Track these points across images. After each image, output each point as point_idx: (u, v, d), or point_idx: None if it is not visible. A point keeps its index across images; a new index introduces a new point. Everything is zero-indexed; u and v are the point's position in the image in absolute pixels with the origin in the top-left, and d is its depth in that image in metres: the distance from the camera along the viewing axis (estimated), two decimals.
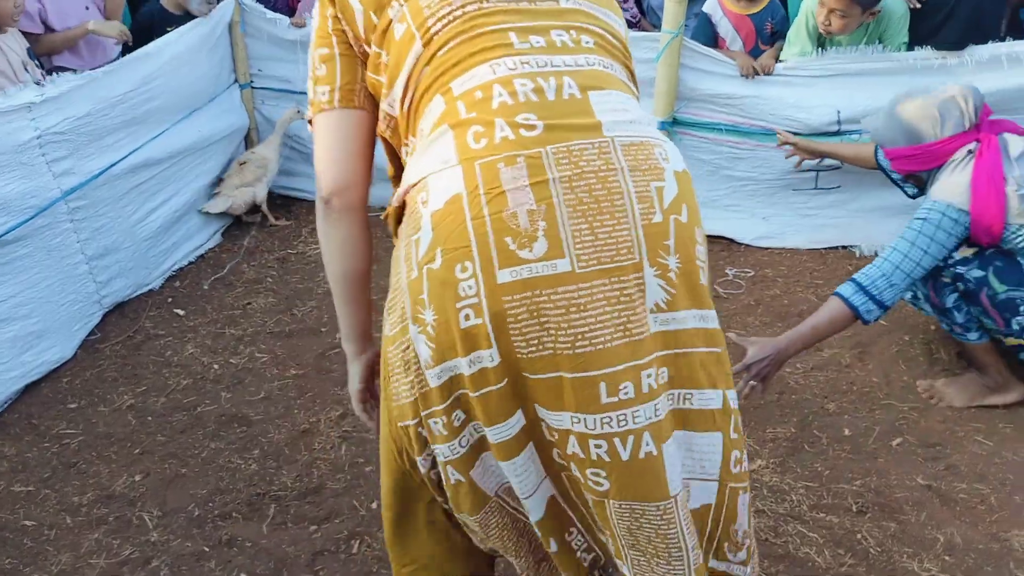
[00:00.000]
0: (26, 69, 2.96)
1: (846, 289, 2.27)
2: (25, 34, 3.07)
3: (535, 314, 1.12)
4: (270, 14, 3.64)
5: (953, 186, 2.26)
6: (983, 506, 2.17)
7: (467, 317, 1.12)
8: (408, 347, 1.20)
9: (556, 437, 1.21)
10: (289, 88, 3.76)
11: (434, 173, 1.15)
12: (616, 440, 1.18)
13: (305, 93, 3.67)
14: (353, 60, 1.31)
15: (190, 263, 3.43)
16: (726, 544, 1.34)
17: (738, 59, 3.27)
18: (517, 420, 1.21)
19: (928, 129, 2.34)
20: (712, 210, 3.53)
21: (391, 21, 1.24)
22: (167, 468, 2.36)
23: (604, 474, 1.21)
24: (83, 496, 2.25)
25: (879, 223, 3.37)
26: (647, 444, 1.19)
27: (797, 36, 3.27)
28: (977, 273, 2.30)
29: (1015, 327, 2.32)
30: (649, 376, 1.18)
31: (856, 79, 3.17)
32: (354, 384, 1.56)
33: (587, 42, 1.24)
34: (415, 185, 1.18)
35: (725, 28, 3.45)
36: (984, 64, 3.08)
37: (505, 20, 1.21)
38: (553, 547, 1.35)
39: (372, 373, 1.54)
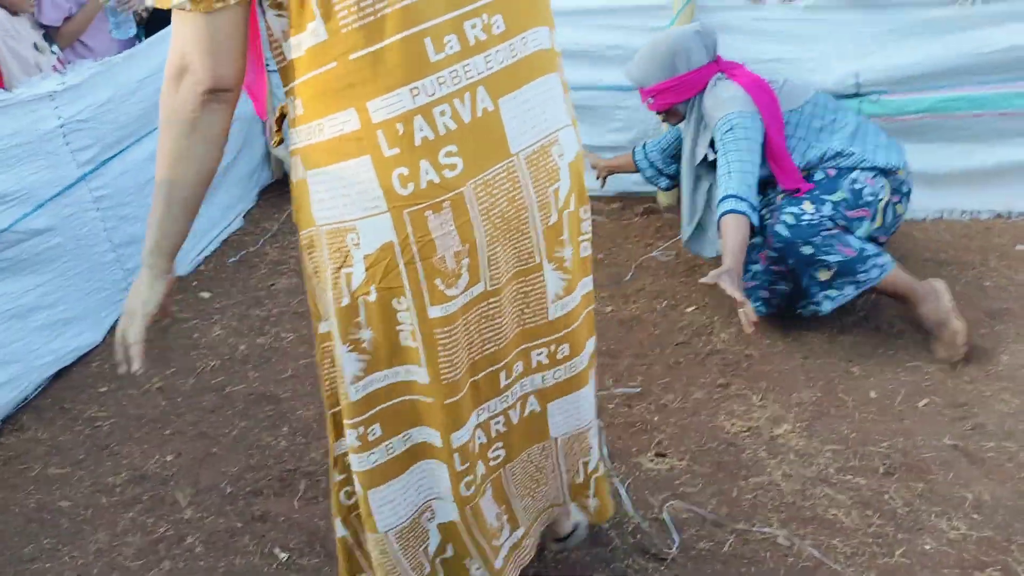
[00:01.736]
0: (41, 53, 2.98)
1: (730, 204, 2.46)
2: (45, 27, 3.10)
3: (457, 339, 1.32)
4: None
5: (730, 99, 2.57)
6: (1011, 463, 2.16)
7: (405, 338, 1.30)
8: (330, 357, 1.36)
9: (466, 457, 1.42)
10: None
11: (363, 218, 1.24)
12: (510, 412, 1.48)
13: None
14: None
15: (215, 248, 3.47)
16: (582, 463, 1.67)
17: None
18: (424, 434, 1.40)
19: (681, 62, 2.66)
20: None
21: None
22: (198, 447, 2.40)
23: (501, 444, 1.50)
24: (117, 477, 2.30)
25: None
26: (532, 405, 1.51)
27: None
28: (826, 207, 2.50)
29: (870, 199, 2.54)
30: (539, 355, 1.46)
31: (873, 39, 3.14)
32: (150, 306, 1.39)
33: (499, 26, 1.24)
34: (342, 224, 1.25)
35: None
36: (995, 15, 3.08)
37: (421, 19, 1.19)
38: (447, 551, 1.54)
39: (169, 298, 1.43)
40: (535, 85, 1.30)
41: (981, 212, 3.36)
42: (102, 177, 2.89)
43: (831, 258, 2.49)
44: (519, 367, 1.45)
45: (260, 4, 1.24)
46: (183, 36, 1.20)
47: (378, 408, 1.36)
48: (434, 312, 1.28)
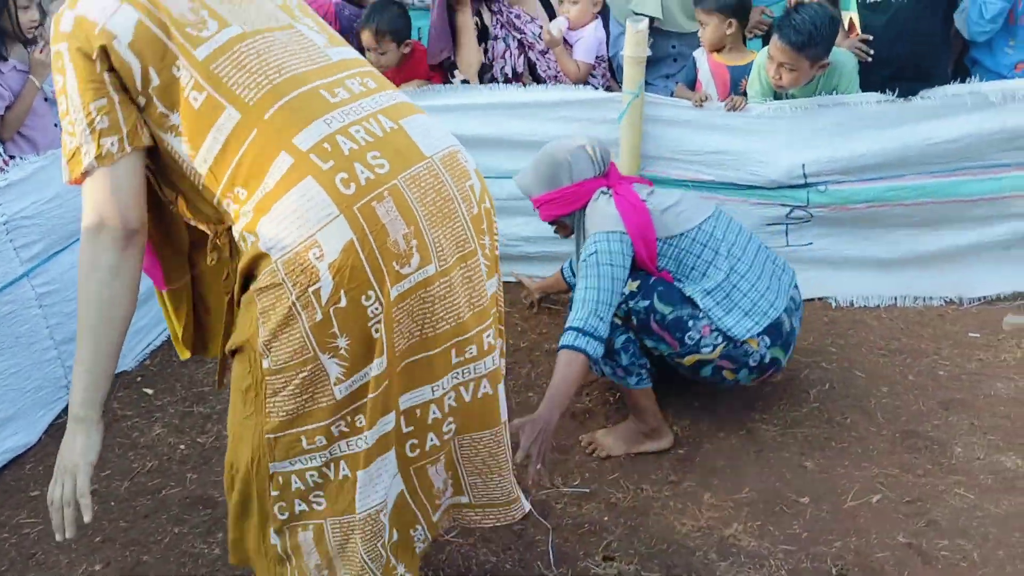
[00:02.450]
0: None
1: (569, 338, 2.34)
2: None
3: (411, 315, 1.46)
4: None
5: (604, 217, 2.48)
6: (965, 563, 2.11)
7: (376, 330, 1.42)
8: (306, 373, 1.42)
9: (413, 425, 1.56)
10: None
11: (320, 229, 1.35)
12: (462, 388, 1.60)
13: None
14: (130, 102, 1.40)
15: (162, 342, 3.40)
16: None
17: (695, 97, 3.30)
18: (390, 420, 1.52)
19: (563, 175, 2.59)
20: None
21: (180, 84, 1.38)
22: (128, 556, 2.29)
23: (452, 419, 1.61)
24: None
25: (854, 274, 3.36)
26: (484, 387, 1.62)
27: (752, 91, 3.30)
28: (643, 303, 2.43)
29: (688, 342, 2.44)
30: (488, 335, 1.59)
31: (818, 133, 3.19)
32: (91, 455, 1.50)
33: (371, 84, 1.52)
34: (300, 244, 1.35)
35: (704, 73, 3.48)
36: (936, 108, 3.15)
37: (309, 80, 1.43)
38: (394, 537, 1.64)
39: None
40: (418, 116, 1.54)
41: (933, 298, 3.39)
42: (47, 272, 2.83)
43: None
44: (472, 350, 1.57)
45: (158, 140, 1.42)
46: (94, 194, 1.40)
47: (364, 400, 1.46)
48: (394, 291, 1.41)
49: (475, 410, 1.64)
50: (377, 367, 1.44)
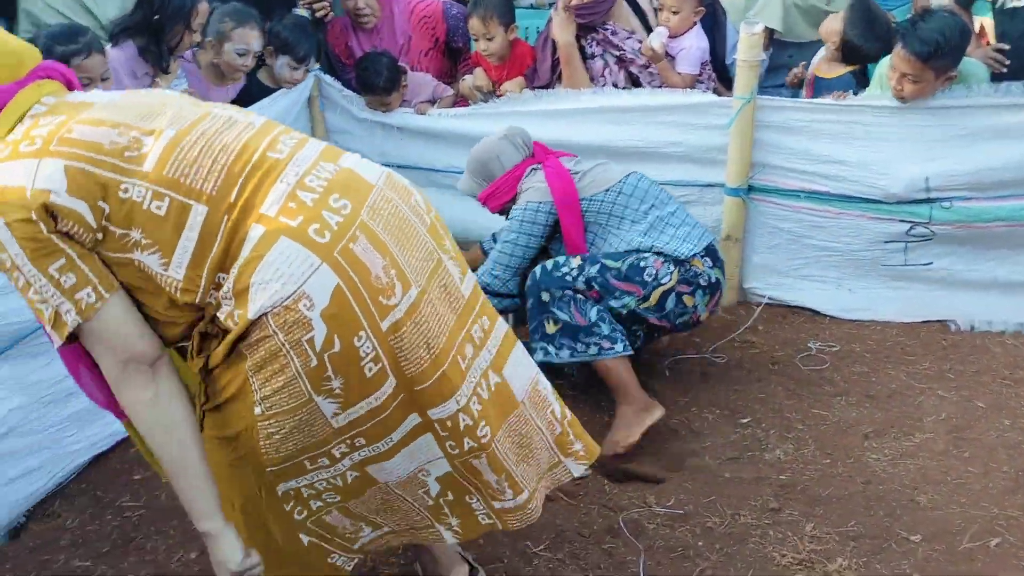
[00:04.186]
0: None
1: None
2: None
3: (412, 342, 1.49)
4: (346, 91, 3.72)
5: (532, 189, 2.72)
6: None
7: (368, 370, 1.46)
8: (302, 415, 1.46)
9: (448, 430, 1.58)
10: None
11: (307, 280, 1.39)
12: (479, 389, 1.63)
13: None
14: (89, 253, 1.41)
15: None
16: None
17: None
18: (411, 421, 1.56)
19: (495, 167, 2.82)
20: (793, 280, 3.38)
21: (133, 201, 1.40)
22: None
23: (484, 423, 1.62)
24: (138, 574, 2.24)
25: (976, 296, 3.15)
26: (494, 379, 1.67)
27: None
28: (594, 267, 2.59)
29: (648, 279, 2.58)
30: (475, 330, 1.65)
31: (945, 143, 3.00)
32: (237, 555, 1.59)
33: (298, 135, 1.59)
34: (288, 299, 1.39)
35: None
36: None
37: (254, 147, 1.49)
38: (448, 495, 1.70)
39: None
40: (347, 154, 1.61)
41: None
42: None
43: (561, 314, 2.58)
44: (469, 349, 1.63)
45: (121, 267, 1.43)
46: (97, 345, 1.45)
47: (370, 423, 1.52)
48: (384, 324, 1.46)
49: (497, 402, 1.68)
50: (384, 392, 1.49)
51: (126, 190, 1.40)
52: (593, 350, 2.58)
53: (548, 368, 2.29)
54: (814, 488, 2.43)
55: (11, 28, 3.45)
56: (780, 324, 3.32)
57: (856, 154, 3.09)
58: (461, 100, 3.77)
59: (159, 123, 1.46)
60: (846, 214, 3.15)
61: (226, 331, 1.45)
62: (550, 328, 2.60)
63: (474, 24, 3.50)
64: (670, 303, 2.61)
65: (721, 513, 2.35)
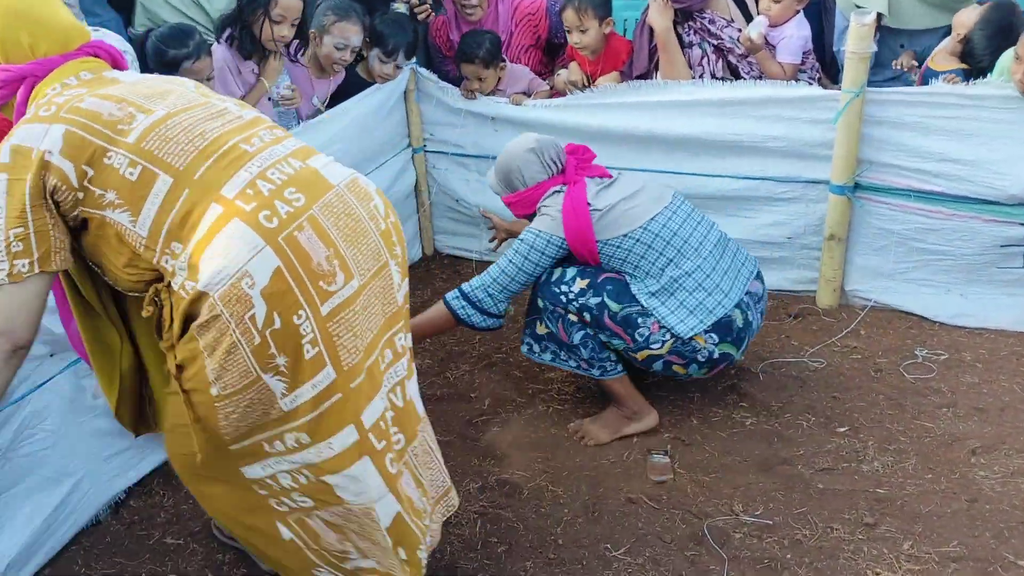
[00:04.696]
0: None
1: (451, 295, 2.65)
2: None
3: (349, 327, 1.63)
4: (442, 83, 3.74)
5: (546, 218, 2.60)
6: None
7: (307, 351, 1.58)
8: (253, 394, 1.57)
9: (385, 440, 1.75)
10: (459, 152, 3.83)
11: (249, 261, 1.53)
12: (391, 396, 1.79)
13: (471, 156, 3.72)
14: (47, 232, 1.59)
15: None
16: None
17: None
18: (349, 435, 1.67)
19: (516, 180, 2.70)
20: (900, 283, 3.21)
21: (113, 167, 1.58)
22: None
23: (397, 428, 1.80)
24: (225, 554, 2.31)
25: None
26: (407, 388, 1.85)
27: None
28: (595, 300, 2.50)
29: (639, 339, 2.50)
30: (399, 339, 1.81)
31: None
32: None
33: (279, 133, 1.76)
34: (234, 276, 1.52)
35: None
36: None
37: (229, 138, 1.66)
38: (402, 555, 1.82)
39: None
40: (320, 155, 1.76)
41: None
42: None
43: (549, 324, 2.60)
44: (389, 354, 1.77)
45: (96, 219, 1.60)
46: (4, 307, 1.59)
47: (318, 411, 1.63)
48: (324, 309, 1.59)
49: (407, 413, 1.85)
50: (323, 379, 1.61)
51: (110, 157, 1.58)
52: (572, 364, 2.63)
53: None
54: (914, 504, 2.31)
55: (128, 22, 3.60)
56: (884, 329, 3.17)
57: (973, 152, 2.90)
58: (555, 95, 3.74)
59: (157, 104, 1.65)
60: (960, 215, 2.96)
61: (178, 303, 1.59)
62: (540, 329, 2.65)
63: (568, 16, 3.45)
64: (657, 366, 2.56)
65: (812, 525, 2.26)
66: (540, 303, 2.59)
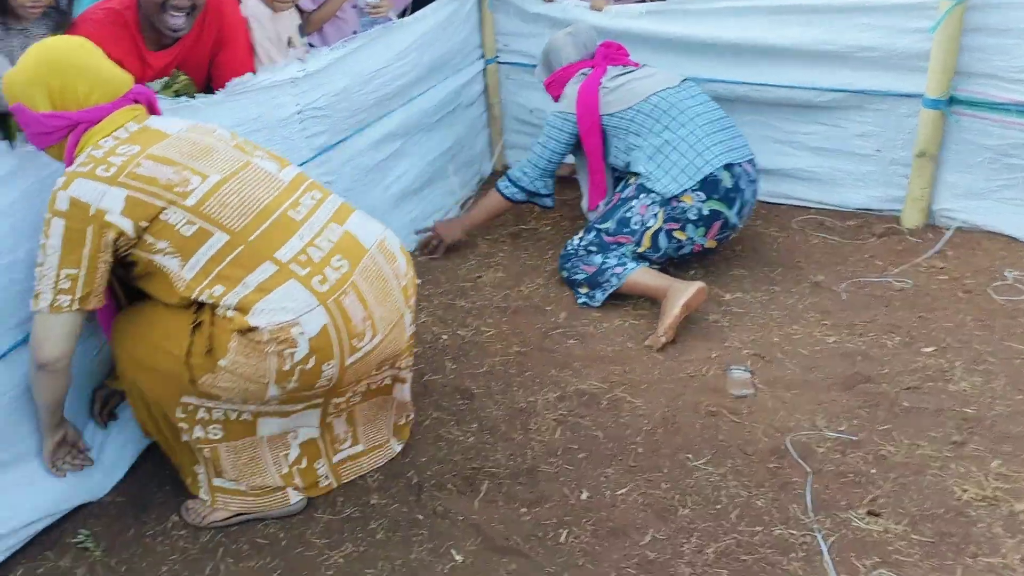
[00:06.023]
0: (291, 45, 3.14)
1: (500, 181, 3.21)
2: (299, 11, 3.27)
3: (358, 373, 2.04)
4: None
5: (566, 99, 3.06)
6: None
7: (321, 386, 1.99)
8: (251, 387, 1.91)
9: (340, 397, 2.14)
10: (533, 63, 3.74)
11: (304, 315, 1.87)
12: (370, 383, 2.19)
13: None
14: (94, 272, 1.85)
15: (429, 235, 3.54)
16: None
17: None
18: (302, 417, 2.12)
19: (555, 60, 3.16)
20: (991, 203, 3.11)
21: (170, 223, 1.85)
22: None
23: (359, 395, 2.20)
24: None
25: None
26: (386, 380, 2.24)
27: None
28: (590, 235, 2.97)
29: (637, 227, 2.88)
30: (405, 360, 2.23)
31: None
32: (49, 447, 2.09)
33: (318, 195, 2.08)
34: (288, 322, 1.86)
35: None
36: None
37: (278, 206, 1.97)
38: (302, 463, 2.18)
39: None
40: (354, 215, 2.10)
41: None
42: (329, 162, 3.00)
43: (579, 276, 2.95)
44: (386, 367, 2.17)
45: (144, 261, 1.89)
46: (40, 331, 1.89)
47: (296, 406, 2.06)
48: (349, 360, 1.97)
49: (376, 391, 2.22)
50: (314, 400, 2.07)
51: (167, 215, 1.85)
52: (613, 281, 2.87)
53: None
54: (1003, 424, 2.27)
55: None
56: (973, 250, 3.07)
57: None
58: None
59: (207, 166, 1.92)
60: None
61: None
62: (582, 289, 2.97)
63: None
64: (663, 241, 2.87)
65: (897, 442, 2.24)
66: (564, 274, 3.03)
